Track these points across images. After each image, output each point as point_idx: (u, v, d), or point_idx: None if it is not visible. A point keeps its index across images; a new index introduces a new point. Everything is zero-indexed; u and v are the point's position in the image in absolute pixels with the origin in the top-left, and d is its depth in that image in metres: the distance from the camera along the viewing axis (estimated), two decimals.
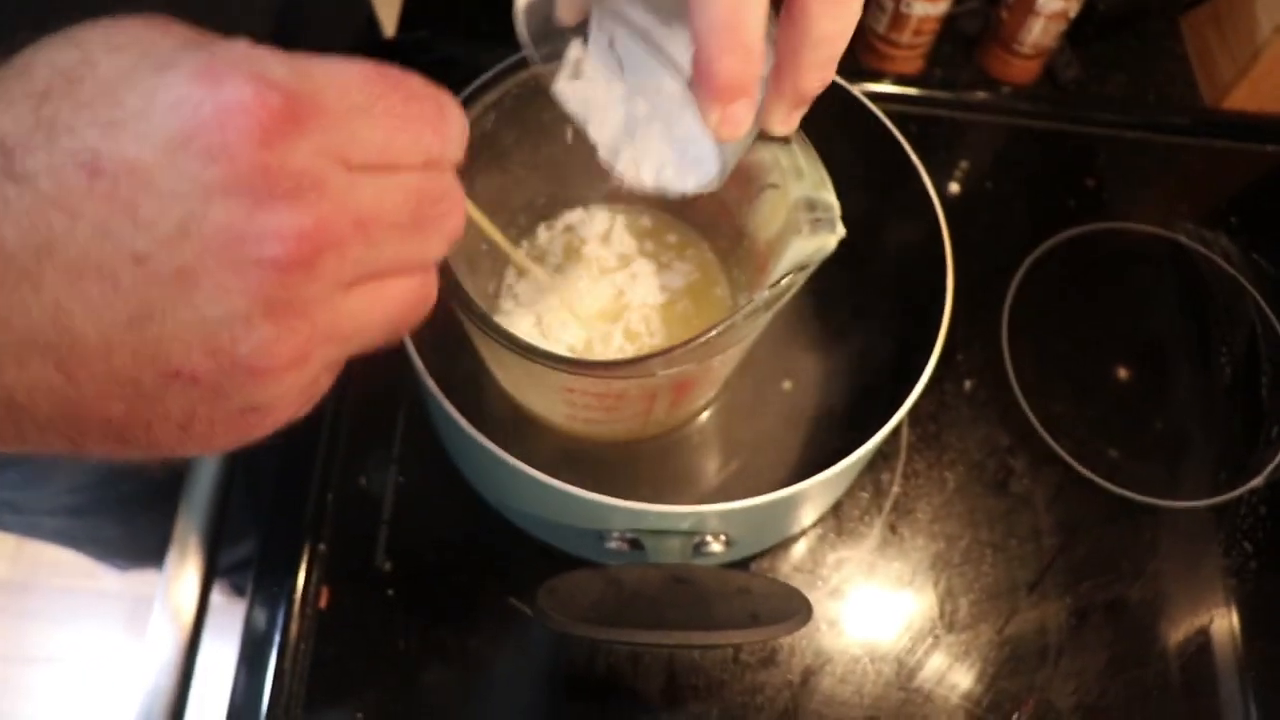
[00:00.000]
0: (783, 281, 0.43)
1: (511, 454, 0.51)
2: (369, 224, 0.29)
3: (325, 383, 0.32)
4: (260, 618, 0.62)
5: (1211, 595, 0.67)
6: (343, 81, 0.29)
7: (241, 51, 0.27)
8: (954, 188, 0.82)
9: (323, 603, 0.62)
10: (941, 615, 0.65)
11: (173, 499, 0.66)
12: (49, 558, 1.48)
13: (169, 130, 0.26)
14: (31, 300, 0.25)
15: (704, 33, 0.35)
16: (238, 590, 1.18)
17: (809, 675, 0.63)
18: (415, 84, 0.30)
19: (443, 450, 0.66)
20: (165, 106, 0.26)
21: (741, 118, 0.38)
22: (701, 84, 0.37)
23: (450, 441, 0.65)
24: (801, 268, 0.43)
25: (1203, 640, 0.66)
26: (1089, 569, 0.67)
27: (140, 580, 1.18)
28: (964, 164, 0.84)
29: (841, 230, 0.43)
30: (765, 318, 0.46)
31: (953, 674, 0.63)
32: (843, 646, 0.64)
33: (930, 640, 0.64)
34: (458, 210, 0.33)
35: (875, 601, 0.65)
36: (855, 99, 0.61)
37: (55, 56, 0.27)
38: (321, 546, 0.63)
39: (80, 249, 0.25)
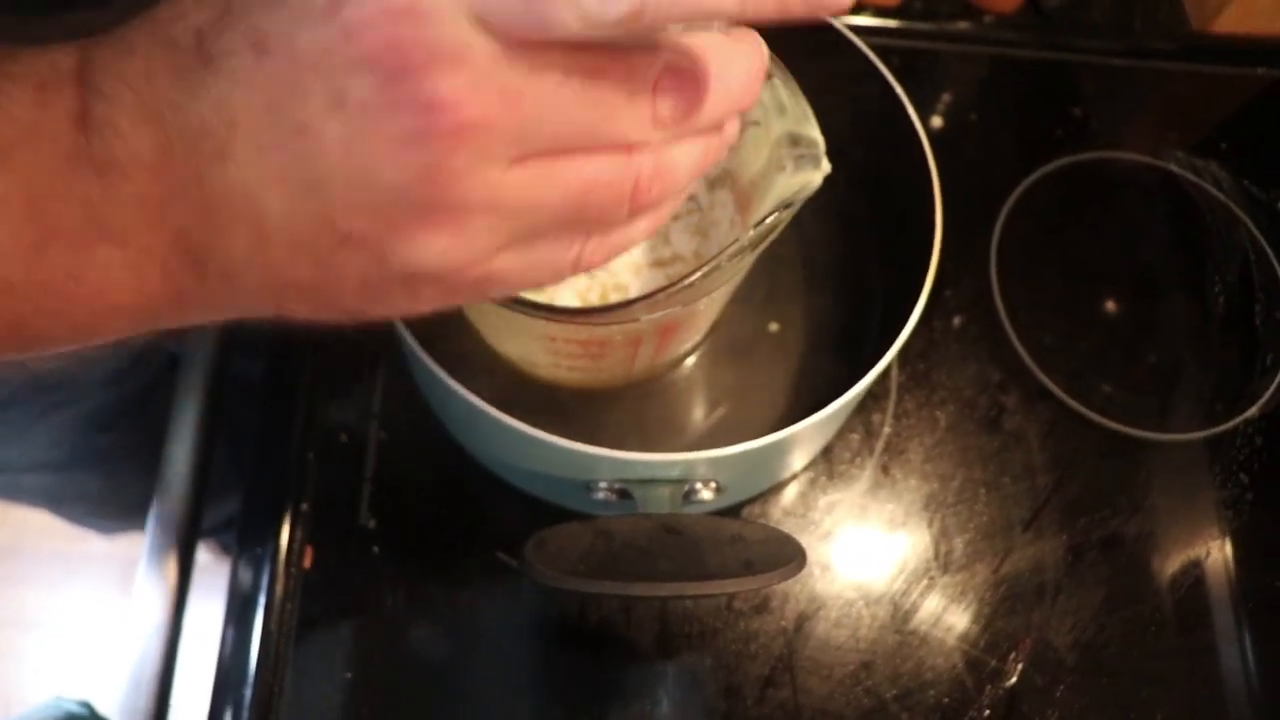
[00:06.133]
0: (767, 220, 0.41)
1: (493, 405, 0.50)
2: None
3: (507, 261, 0.31)
4: (245, 579, 0.61)
5: (1207, 528, 0.67)
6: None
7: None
8: (938, 121, 0.80)
9: (307, 562, 0.61)
10: (936, 556, 0.64)
11: (153, 451, 0.65)
12: (36, 523, 1.47)
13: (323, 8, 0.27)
14: (232, 173, 0.28)
15: None
16: (227, 550, 1.18)
17: (803, 621, 0.62)
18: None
19: (424, 404, 0.65)
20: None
21: None
22: None
23: (431, 394, 0.64)
24: (786, 206, 0.41)
25: (1198, 574, 0.65)
26: (1084, 505, 0.66)
27: (129, 542, 1.17)
28: (948, 96, 0.82)
29: (826, 166, 0.41)
30: (750, 258, 0.44)
31: (949, 615, 0.63)
32: (837, 591, 0.63)
33: (925, 582, 0.64)
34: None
35: (869, 544, 0.65)
36: (836, 32, 0.60)
37: None
38: (304, 506, 0.62)
39: (258, 122, 0.27)
